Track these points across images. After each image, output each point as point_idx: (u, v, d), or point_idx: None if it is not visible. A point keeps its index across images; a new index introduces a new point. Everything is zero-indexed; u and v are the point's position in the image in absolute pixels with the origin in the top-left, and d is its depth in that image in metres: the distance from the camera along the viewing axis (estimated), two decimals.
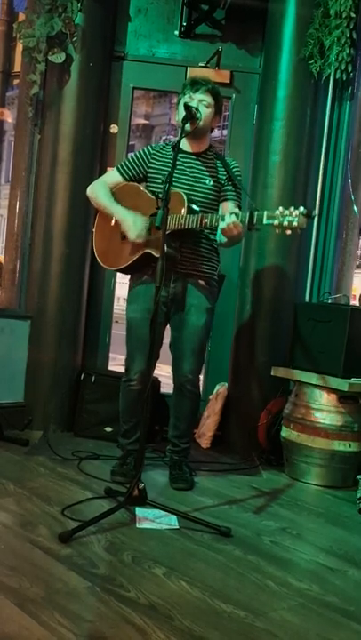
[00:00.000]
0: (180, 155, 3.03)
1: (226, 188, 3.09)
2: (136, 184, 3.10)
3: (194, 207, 2.91)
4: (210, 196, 3.06)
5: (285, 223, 2.58)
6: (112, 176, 3.17)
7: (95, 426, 3.81)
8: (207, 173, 3.07)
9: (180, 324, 3.08)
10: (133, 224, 2.95)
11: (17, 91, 4.34)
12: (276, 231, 2.63)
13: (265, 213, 2.65)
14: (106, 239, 3.13)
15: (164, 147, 3.14)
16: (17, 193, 4.03)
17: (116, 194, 3.09)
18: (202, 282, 3.08)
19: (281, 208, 2.61)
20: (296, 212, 2.58)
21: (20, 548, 2.20)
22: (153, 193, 3.02)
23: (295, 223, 2.58)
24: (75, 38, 3.70)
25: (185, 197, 2.88)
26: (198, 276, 3.07)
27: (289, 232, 2.61)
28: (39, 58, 3.71)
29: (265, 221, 2.64)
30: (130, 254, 3.03)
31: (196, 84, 3.00)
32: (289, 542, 2.54)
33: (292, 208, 2.59)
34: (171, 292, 3.04)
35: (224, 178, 3.09)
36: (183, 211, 2.85)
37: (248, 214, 2.69)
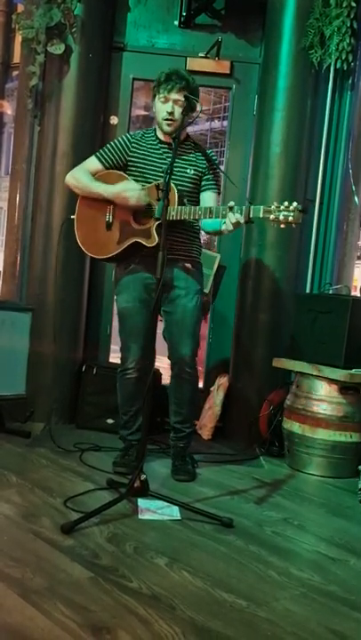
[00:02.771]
0: (159, 145, 3.05)
1: (206, 177, 3.10)
2: (118, 171, 3.08)
3: (183, 198, 2.95)
4: (191, 185, 3.07)
5: (281, 217, 2.63)
6: (91, 163, 3.13)
7: (97, 418, 3.82)
8: (187, 163, 3.07)
9: (173, 309, 3.08)
10: (130, 190, 2.94)
11: (16, 82, 4.32)
12: (272, 225, 2.68)
13: (261, 208, 2.69)
14: (91, 228, 3.10)
15: (143, 134, 3.13)
16: (17, 185, 4.02)
17: (99, 180, 3.07)
18: (189, 265, 3.10)
19: (276, 203, 2.65)
20: (292, 207, 2.62)
21: (22, 540, 2.21)
22: (136, 180, 3.01)
23: (290, 218, 2.63)
24: (74, 29, 3.69)
25: (176, 189, 2.89)
26: (185, 260, 3.08)
27: (283, 226, 2.66)
28: (38, 49, 3.69)
29: (261, 215, 2.68)
30: (118, 243, 3.02)
31: (169, 82, 2.94)
32: (290, 532, 2.55)
33: (286, 203, 2.63)
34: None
35: (204, 167, 3.09)
36: (175, 202, 2.87)
37: (245, 208, 2.71)
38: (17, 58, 4.92)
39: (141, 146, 3.08)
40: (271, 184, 3.80)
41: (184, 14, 3.99)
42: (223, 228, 2.81)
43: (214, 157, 3.16)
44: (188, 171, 3.06)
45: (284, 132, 3.79)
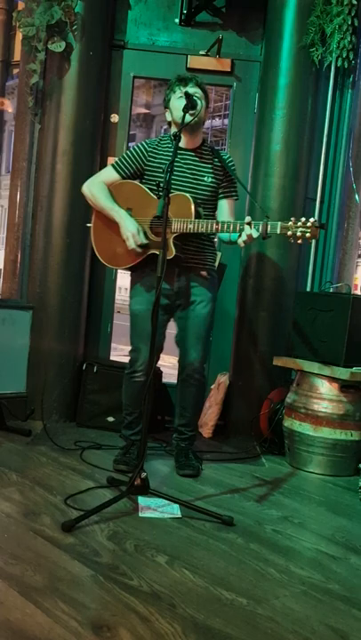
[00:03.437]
0: (178, 151, 3.03)
1: (223, 185, 3.11)
2: (136, 182, 3.09)
3: (200, 210, 2.95)
4: (209, 194, 3.07)
5: (298, 234, 2.67)
6: (108, 174, 3.13)
7: (97, 416, 3.82)
8: (205, 170, 3.07)
9: (186, 315, 3.12)
10: (132, 236, 2.95)
11: (17, 80, 4.32)
12: (290, 240, 2.71)
13: (278, 224, 2.71)
14: (107, 238, 3.11)
15: (159, 141, 3.13)
16: (17, 183, 4.02)
17: (115, 193, 3.07)
18: (204, 273, 3.12)
19: (294, 219, 2.69)
20: (309, 224, 2.65)
21: (23, 537, 2.21)
22: (152, 191, 3.01)
23: (308, 234, 2.66)
24: (75, 27, 3.68)
25: (192, 201, 2.90)
26: (200, 268, 3.11)
27: (300, 242, 2.70)
28: (39, 47, 3.69)
29: (278, 231, 2.72)
30: (136, 255, 3.03)
31: (184, 80, 3.01)
32: (291, 530, 2.55)
33: (303, 219, 2.67)
34: (175, 285, 3.07)
35: (221, 175, 3.10)
36: (191, 214, 2.88)
37: (262, 225, 2.74)
38: (17, 55, 4.92)
39: (158, 154, 3.08)
40: (272, 182, 3.80)
41: (185, 12, 3.98)
42: (239, 241, 2.82)
43: (231, 163, 3.14)
44: (205, 178, 3.06)
45: (284, 130, 3.78)
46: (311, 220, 2.66)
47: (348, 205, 4.01)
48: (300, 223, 2.66)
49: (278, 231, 2.71)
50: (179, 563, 2.13)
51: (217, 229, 2.86)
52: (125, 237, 2.97)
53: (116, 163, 3.14)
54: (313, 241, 3.85)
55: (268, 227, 2.73)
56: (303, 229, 2.65)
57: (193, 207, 2.89)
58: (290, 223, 2.68)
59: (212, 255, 3.17)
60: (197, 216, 2.90)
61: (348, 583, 2.14)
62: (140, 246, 2.95)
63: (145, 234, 2.97)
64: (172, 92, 3.03)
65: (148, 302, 3.00)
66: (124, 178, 3.11)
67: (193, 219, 2.87)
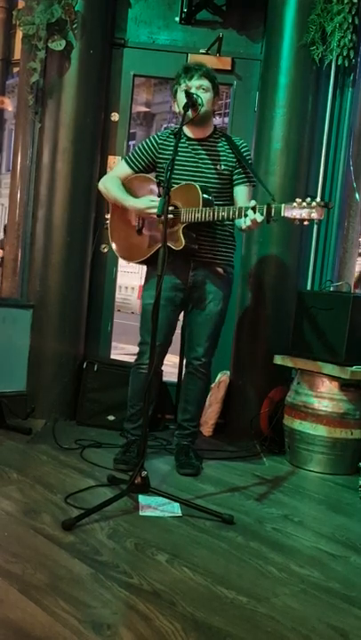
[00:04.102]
0: (185, 142, 3.03)
1: (237, 171, 3.09)
2: (147, 176, 3.12)
3: (209, 198, 2.92)
4: (220, 182, 3.06)
5: (304, 215, 2.60)
6: (121, 169, 3.18)
7: (98, 414, 3.82)
8: (214, 158, 3.06)
9: (198, 311, 3.13)
10: (150, 206, 2.96)
11: (17, 79, 4.31)
12: (296, 223, 2.65)
13: (283, 206, 2.66)
14: (123, 233, 3.17)
15: (169, 134, 3.13)
16: (17, 182, 4.01)
17: (128, 187, 3.11)
18: (220, 269, 3.12)
19: (298, 200, 2.61)
20: (314, 204, 2.59)
21: (23, 536, 2.21)
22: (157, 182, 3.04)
23: (313, 214, 2.59)
24: (75, 25, 3.68)
25: (200, 190, 2.89)
26: (216, 264, 3.10)
27: (306, 223, 2.64)
28: (39, 45, 3.69)
29: (283, 214, 2.65)
30: (148, 247, 3.07)
31: (190, 71, 2.99)
32: (291, 529, 2.55)
33: (308, 199, 2.60)
34: (190, 279, 3.07)
35: (233, 161, 3.08)
36: (199, 203, 2.86)
37: (266, 207, 2.69)
38: (17, 54, 4.91)
39: (168, 146, 3.08)
40: (272, 180, 3.79)
41: (185, 10, 3.97)
42: (243, 227, 2.80)
43: (244, 147, 3.11)
44: (217, 167, 3.05)
45: (285, 129, 3.78)
46: (317, 199, 2.60)
47: (348, 204, 4.00)
48: (304, 204, 2.59)
49: (282, 213, 2.64)
50: (179, 561, 2.14)
51: (223, 217, 2.83)
52: (143, 211, 2.99)
53: (129, 157, 3.17)
54: (314, 238, 3.87)
55: (273, 209, 2.68)
56: (308, 210, 2.58)
57: (201, 196, 2.88)
58: (294, 204, 2.61)
59: (229, 248, 3.14)
60: (206, 205, 2.88)
61: (348, 581, 2.14)
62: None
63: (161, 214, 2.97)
64: (177, 83, 3.02)
65: (161, 297, 3.01)
66: (136, 172, 3.13)
67: (201, 207, 2.86)
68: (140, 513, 2.53)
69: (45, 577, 1.93)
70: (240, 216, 2.78)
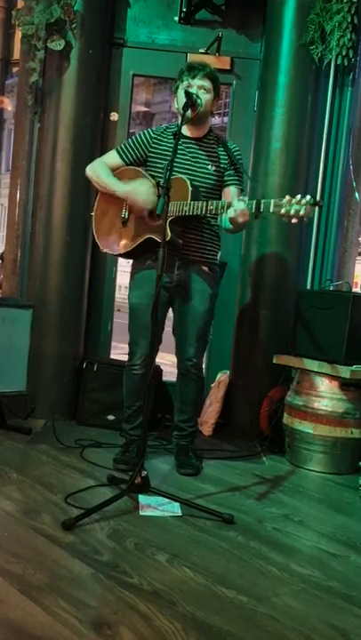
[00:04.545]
0: (182, 141, 3.02)
1: (228, 172, 3.09)
2: (137, 168, 3.09)
3: (197, 192, 2.91)
4: (212, 182, 3.05)
5: (292, 212, 2.57)
6: (112, 157, 3.14)
7: (98, 414, 3.82)
8: (208, 158, 3.06)
9: (185, 310, 3.10)
10: (139, 194, 2.94)
11: (16, 78, 4.32)
12: (284, 219, 2.62)
13: (272, 202, 2.63)
14: (106, 224, 3.12)
15: (164, 130, 3.11)
16: (17, 182, 4.01)
17: (117, 177, 3.08)
18: (205, 268, 3.10)
19: (288, 196, 2.59)
20: (303, 201, 2.56)
21: (23, 536, 2.21)
22: (154, 177, 3.01)
23: (302, 212, 2.56)
24: (74, 25, 3.68)
25: (188, 183, 2.88)
26: (202, 262, 3.09)
27: (295, 221, 2.60)
28: (38, 45, 3.68)
29: (272, 209, 2.63)
30: (132, 239, 3.03)
31: (193, 70, 2.98)
32: (291, 529, 2.55)
33: (298, 196, 2.57)
34: (175, 278, 3.05)
35: (226, 163, 3.08)
36: (188, 197, 2.85)
37: (255, 202, 2.67)
38: (17, 54, 4.91)
39: (162, 142, 3.07)
40: (271, 180, 3.79)
41: (184, 10, 3.97)
42: (228, 216, 2.75)
43: (237, 152, 3.12)
44: (208, 167, 3.04)
45: (284, 128, 3.78)
46: (307, 197, 2.57)
47: (348, 203, 4.00)
48: (294, 200, 2.56)
49: (271, 209, 2.61)
50: (179, 561, 2.14)
51: (211, 210, 2.81)
52: (133, 199, 2.95)
53: (121, 148, 3.14)
54: (313, 238, 3.87)
55: (262, 205, 2.64)
56: (297, 207, 2.55)
57: (190, 189, 2.86)
58: (284, 201, 2.57)
59: (214, 248, 3.14)
60: (194, 199, 2.86)
61: (349, 581, 2.14)
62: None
63: (149, 213, 2.95)
64: (180, 80, 3.01)
65: (148, 296, 2.96)
66: (127, 164, 3.11)
67: (189, 201, 2.85)
68: (141, 513, 2.52)
69: (45, 577, 1.93)
70: (228, 210, 2.74)
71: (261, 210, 2.66)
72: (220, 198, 3.07)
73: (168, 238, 2.84)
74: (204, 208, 2.82)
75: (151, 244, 2.95)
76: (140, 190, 2.95)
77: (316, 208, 3.78)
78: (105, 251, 3.16)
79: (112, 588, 1.90)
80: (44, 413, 3.77)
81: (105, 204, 3.12)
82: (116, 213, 3.07)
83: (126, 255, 3.13)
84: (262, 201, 2.67)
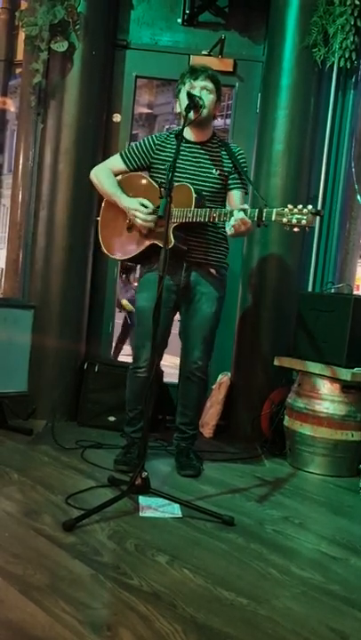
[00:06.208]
0: (185, 144, 3.03)
1: (232, 177, 3.09)
2: (142, 174, 3.10)
3: (201, 199, 2.92)
4: (216, 186, 3.06)
5: (294, 221, 2.60)
6: (116, 163, 3.15)
7: (99, 415, 3.83)
8: (212, 163, 3.06)
9: (192, 313, 3.11)
10: (140, 211, 2.96)
11: (19, 79, 4.32)
12: (285, 228, 2.65)
13: (274, 211, 2.65)
14: (112, 229, 3.14)
15: (168, 136, 3.12)
16: (19, 182, 4.02)
17: (122, 184, 3.09)
18: (212, 270, 3.11)
19: (290, 206, 2.62)
20: (305, 211, 2.59)
21: (24, 536, 2.21)
22: (157, 182, 3.01)
23: (303, 221, 2.59)
24: (77, 26, 3.69)
25: (192, 190, 2.89)
26: (209, 265, 3.09)
27: (297, 230, 2.63)
28: (42, 46, 3.69)
29: (274, 218, 2.65)
30: (137, 245, 3.05)
31: (195, 72, 2.99)
32: (292, 531, 2.55)
33: (300, 206, 2.61)
34: (182, 280, 3.06)
35: (230, 167, 3.08)
36: (192, 204, 2.86)
37: (257, 211, 2.69)
38: (20, 55, 4.91)
39: (166, 147, 3.08)
40: (274, 182, 3.80)
41: (187, 12, 3.98)
42: (228, 231, 2.79)
43: (241, 156, 3.12)
44: (212, 171, 3.05)
45: (287, 130, 3.78)
46: (309, 206, 2.60)
47: (350, 206, 4.00)
48: (296, 210, 2.60)
49: (273, 218, 2.64)
50: (179, 562, 2.13)
51: (214, 218, 2.83)
52: (132, 215, 2.97)
53: (125, 153, 3.15)
54: (315, 240, 3.87)
55: (264, 213, 2.67)
56: (299, 216, 2.59)
57: (194, 197, 2.87)
58: (286, 210, 2.62)
59: (221, 250, 3.13)
60: (198, 206, 2.87)
61: (349, 584, 2.14)
62: (152, 213, 2.92)
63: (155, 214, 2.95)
64: (182, 83, 3.02)
65: (154, 298, 2.99)
66: (130, 169, 3.12)
67: (193, 208, 2.86)
68: (141, 514, 2.52)
69: (46, 578, 1.93)
70: (230, 218, 2.77)
71: (263, 219, 2.69)
72: (224, 202, 3.09)
73: (171, 245, 2.85)
74: (207, 216, 2.84)
75: (154, 249, 2.96)
76: (142, 211, 2.96)
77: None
78: (111, 256, 3.18)
79: (112, 590, 1.90)
80: (46, 414, 3.77)
81: (111, 208, 3.14)
82: (122, 219, 3.09)
83: (130, 261, 3.14)
84: (264, 210, 2.69)
